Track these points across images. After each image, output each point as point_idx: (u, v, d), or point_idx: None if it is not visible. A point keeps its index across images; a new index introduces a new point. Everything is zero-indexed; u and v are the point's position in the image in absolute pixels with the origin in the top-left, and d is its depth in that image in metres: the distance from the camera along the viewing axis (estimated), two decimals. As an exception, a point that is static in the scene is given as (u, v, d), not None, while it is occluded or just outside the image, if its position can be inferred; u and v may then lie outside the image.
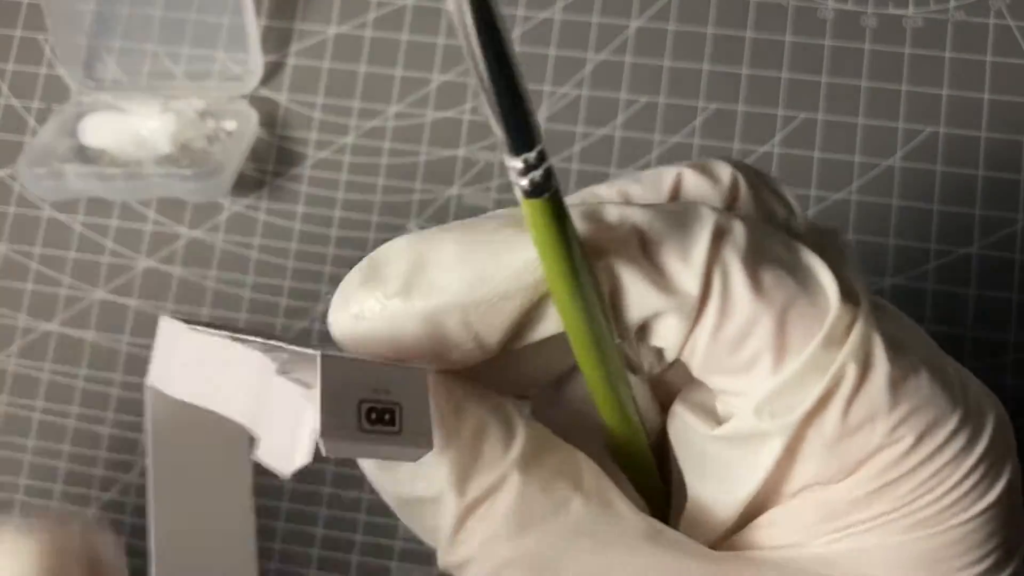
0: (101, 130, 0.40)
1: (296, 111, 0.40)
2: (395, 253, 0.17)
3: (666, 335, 0.17)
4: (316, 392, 0.15)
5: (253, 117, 0.40)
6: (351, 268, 0.18)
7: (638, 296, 0.17)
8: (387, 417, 0.16)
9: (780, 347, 0.17)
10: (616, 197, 0.20)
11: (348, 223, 0.39)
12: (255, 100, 0.41)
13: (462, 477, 0.17)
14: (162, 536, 0.21)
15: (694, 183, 0.20)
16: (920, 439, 0.17)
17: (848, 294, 0.17)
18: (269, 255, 0.39)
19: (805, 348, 0.17)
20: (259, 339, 0.19)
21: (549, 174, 0.15)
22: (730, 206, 0.19)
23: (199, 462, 0.21)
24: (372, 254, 0.18)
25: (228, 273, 0.39)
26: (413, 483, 0.17)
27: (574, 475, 0.18)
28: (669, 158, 0.38)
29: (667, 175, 0.20)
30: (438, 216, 0.39)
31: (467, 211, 0.39)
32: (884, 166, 0.38)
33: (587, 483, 0.18)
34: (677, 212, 0.17)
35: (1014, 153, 0.37)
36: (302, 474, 0.23)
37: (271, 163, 0.40)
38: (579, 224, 0.17)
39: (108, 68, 0.42)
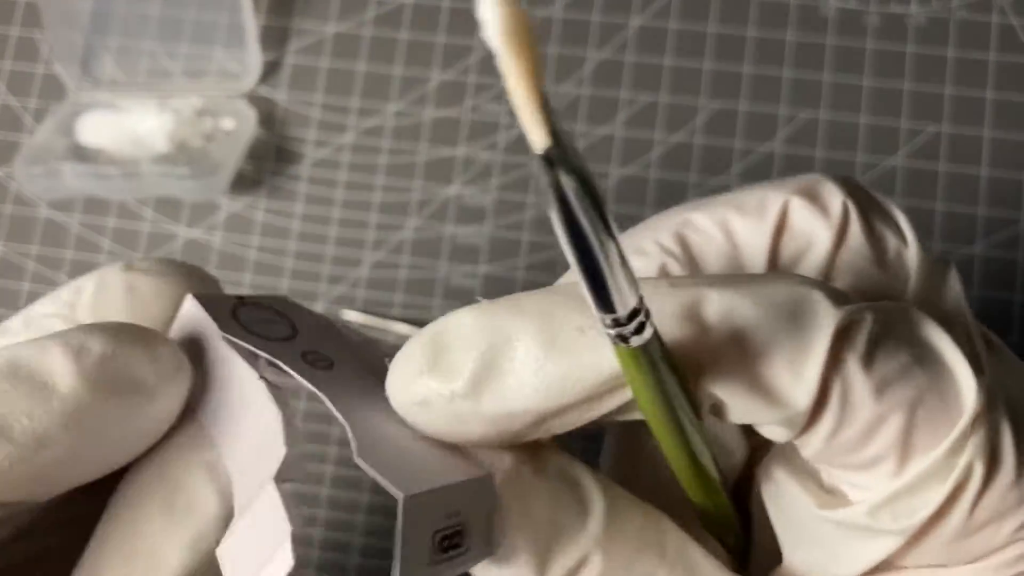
0: (98, 129, 0.40)
1: (294, 110, 0.40)
2: (463, 340, 0.15)
3: (771, 435, 0.16)
4: (396, 530, 0.14)
5: (251, 116, 0.40)
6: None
7: (740, 411, 0.16)
8: (456, 540, 0.15)
9: (905, 449, 0.16)
10: (715, 229, 0.19)
11: (347, 223, 0.39)
12: (253, 99, 0.40)
13: (541, 562, 0.16)
14: None
15: (803, 216, 0.18)
16: None
17: (977, 369, 0.16)
18: (267, 255, 0.39)
19: (932, 450, 0.15)
20: (304, 356, 0.18)
21: (638, 330, 0.14)
22: (840, 241, 0.18)
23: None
24: (435, 330, 0.16)
25: (226, 273, 0.39)
26: (500, 571, 0.16)
27: (657, 544, 0.17)
28: (671, 157, 0.38)
29: (773, 203, 0.18)
30: (437, 215, 0.38)
31: (467, 211, 0.38)
32: (886, 165, 0.37)
33: (671, 551, 0.17)
34: (791, 308, 0.15)
35: (1017, 152, 0.37)
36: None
37: (269, 162, 0.40)
38: (676, 328, 0.15)
39: (105, 66, 0.42)
